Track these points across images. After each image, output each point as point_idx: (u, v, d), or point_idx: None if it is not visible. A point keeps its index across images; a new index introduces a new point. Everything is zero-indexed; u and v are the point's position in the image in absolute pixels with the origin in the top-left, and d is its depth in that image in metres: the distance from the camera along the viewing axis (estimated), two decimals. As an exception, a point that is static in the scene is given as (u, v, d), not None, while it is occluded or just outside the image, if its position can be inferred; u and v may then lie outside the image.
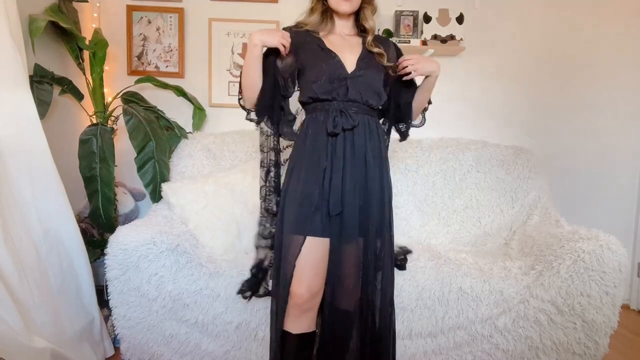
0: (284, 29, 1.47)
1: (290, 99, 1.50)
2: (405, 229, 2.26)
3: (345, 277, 1.33)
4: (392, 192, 1.46)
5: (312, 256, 1.30)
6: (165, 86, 2.37)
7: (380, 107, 1.47)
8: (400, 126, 1.62)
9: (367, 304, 1.35)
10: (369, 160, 1.37)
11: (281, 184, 1.49)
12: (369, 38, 1.45)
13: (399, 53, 1.56)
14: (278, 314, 1.34)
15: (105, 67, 2.26)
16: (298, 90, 1.48)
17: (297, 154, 1.41)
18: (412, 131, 1.67)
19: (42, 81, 1.94)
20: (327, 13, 1.46)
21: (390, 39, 2.42)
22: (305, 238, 1.30)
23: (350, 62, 1.40)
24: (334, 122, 1.34)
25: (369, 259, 1.34)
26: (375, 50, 1.44)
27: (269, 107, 1.46)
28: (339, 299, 1.33)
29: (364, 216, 1.34)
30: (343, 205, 1.31)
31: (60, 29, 2.11)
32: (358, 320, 1.35)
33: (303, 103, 1.47)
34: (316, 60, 1.39)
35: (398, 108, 1.56)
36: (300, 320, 1.33)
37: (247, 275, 1.63)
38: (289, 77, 1.43)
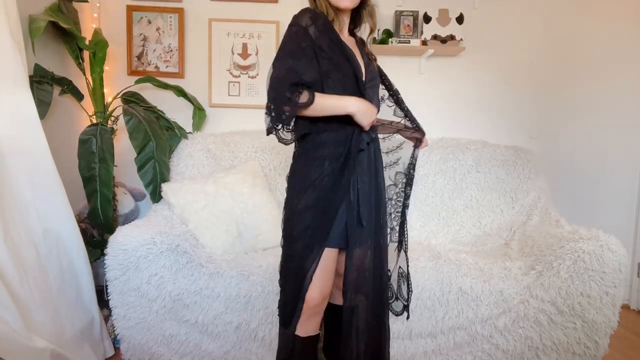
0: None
1: None
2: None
3: (358, 279, 1.34)
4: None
5: (328, 265, 1.32)
6: (165, 86, 2.37)
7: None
8: None
9: (373, 302, 1.36)
10: (379, 168, 1.41)
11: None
12: (370, 38, 1.44)
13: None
14: (288, 320, 1.34)
15: (105, 67, 2.25)
16: None
17: (315, 163, 1.33)
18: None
19: (42, 81, 1.94)
20: (332, 9, 1.36)
21: (390, 39, 2.44)
22: (323, 249, 1.29)
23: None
24: (360, 137, 1.32)
25: (378, 259, 1.37)
26: (373, 54, 1.45)
27: None
28: (351, 299, 1.34)
29: (378, 220, 1.37)
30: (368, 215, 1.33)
31: (60, 29, 2.11)
32: (365, 319, 1.35)
33: None
34: (340, 60, 1.29)
35: None
36: (309, 324, 1.35)
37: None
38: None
